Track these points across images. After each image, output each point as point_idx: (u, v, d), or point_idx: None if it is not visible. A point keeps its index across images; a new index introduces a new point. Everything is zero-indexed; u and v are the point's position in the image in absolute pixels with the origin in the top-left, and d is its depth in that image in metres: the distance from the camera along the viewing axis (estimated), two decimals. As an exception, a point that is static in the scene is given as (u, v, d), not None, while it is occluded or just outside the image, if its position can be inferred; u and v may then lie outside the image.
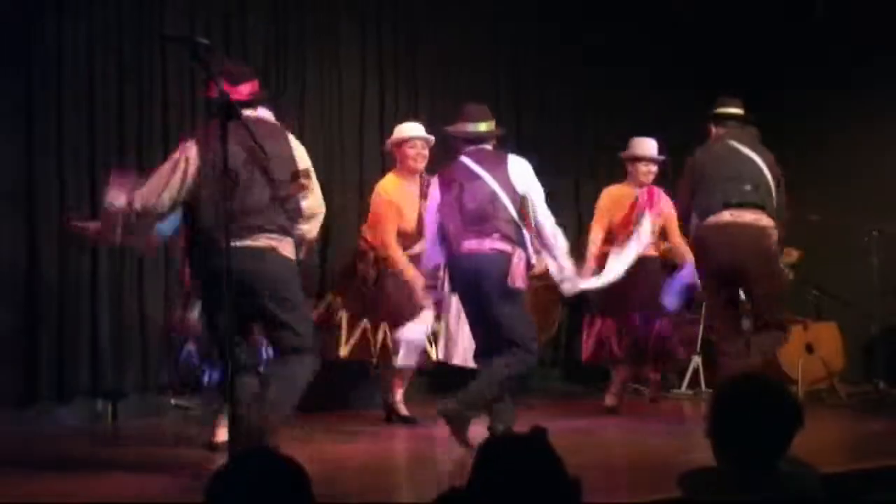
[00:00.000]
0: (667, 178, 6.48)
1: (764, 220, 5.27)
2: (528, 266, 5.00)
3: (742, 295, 5.47)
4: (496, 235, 4.92)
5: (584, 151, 7.82)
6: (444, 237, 5.08)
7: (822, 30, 7.64)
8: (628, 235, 6.27)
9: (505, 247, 4.92)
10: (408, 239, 5.79)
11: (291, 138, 4.37)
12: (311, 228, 4.39)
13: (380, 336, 5.82)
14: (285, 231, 4.23)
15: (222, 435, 4.91)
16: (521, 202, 5.00)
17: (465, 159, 5.10)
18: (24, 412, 5.84)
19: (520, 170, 5.06)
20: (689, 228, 5.63)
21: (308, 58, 6.85)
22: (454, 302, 6.93)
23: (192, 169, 4.09)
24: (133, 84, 6.20)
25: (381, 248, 5.77)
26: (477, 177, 5.00)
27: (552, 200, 5.14)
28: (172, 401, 6.09)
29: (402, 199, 5.81)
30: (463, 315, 6.86)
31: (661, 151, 6.44)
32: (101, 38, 6.10)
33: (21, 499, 4.02)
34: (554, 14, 7.71)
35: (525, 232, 5.01)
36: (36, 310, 5.89)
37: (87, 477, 4.44)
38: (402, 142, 5.85)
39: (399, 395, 6.01)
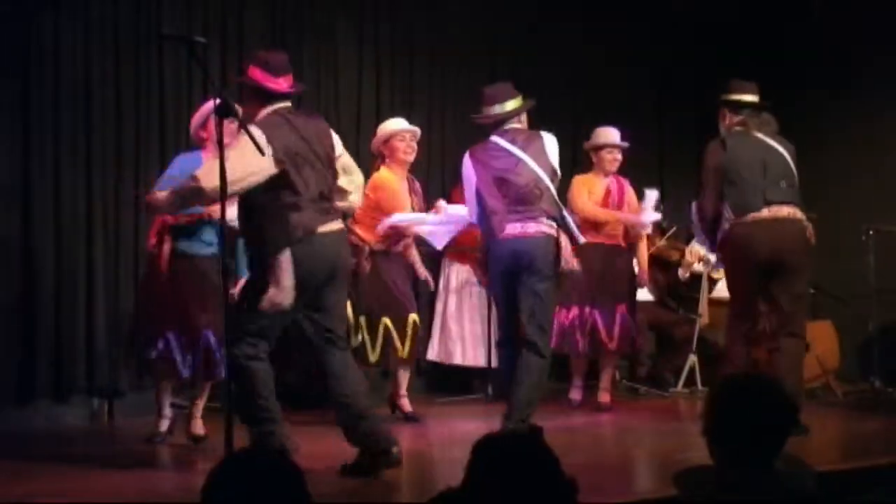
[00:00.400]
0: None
1: (799, 213, 5.28)
2: (574, 245, 4.96)
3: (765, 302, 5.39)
4: (542, 219, 4.89)
5: (582, 151, 7.81)
6: (481, 218, 5.03)
7: (821, 30, 7.64)
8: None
9: (550, 230, 4.89)
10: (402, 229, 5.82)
11: (335, 140, 4.37)
12: (358, 198, 4.54)
13: (380, 330, 5.80)
14: (343, 215, 4.33)
15: (200, 427, 5.00)
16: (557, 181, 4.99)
17: (498, 139, 5.02)
18: (21, 411, 5.83)
19: (554, 148, 5.02)
20: (700, 228, 5.54)
21: (305, 57, 6.84)
22: (452, 301, 6.97)
23: (268, 151, 3.94)
24: (130, 83, 6.19)
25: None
26: (516, 158, 4.93)
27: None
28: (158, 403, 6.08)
29: (400, 190, 5.83)
30: (463, 313, 6.92)
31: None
32: (99, 37, 6.09)
33: (19, 498, 4.02)
34: (552, 14, 7.71)
35: (566, 212, 4.97)
36: (32, 309, 5.88)
37: (85, 476, 4.43)
38: (391, 136, 5.84)
39: (403, 390, 6.01)
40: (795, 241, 5.23)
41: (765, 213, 5.21)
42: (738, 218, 5.22)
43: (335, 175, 4.30)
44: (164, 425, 5.16)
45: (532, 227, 4.88)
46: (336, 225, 4.22)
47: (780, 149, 5.33)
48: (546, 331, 4.93)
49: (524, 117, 5.18)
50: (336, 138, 4.38)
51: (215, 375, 4.95)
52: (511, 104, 5.06)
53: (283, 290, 4.03)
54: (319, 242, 4.10)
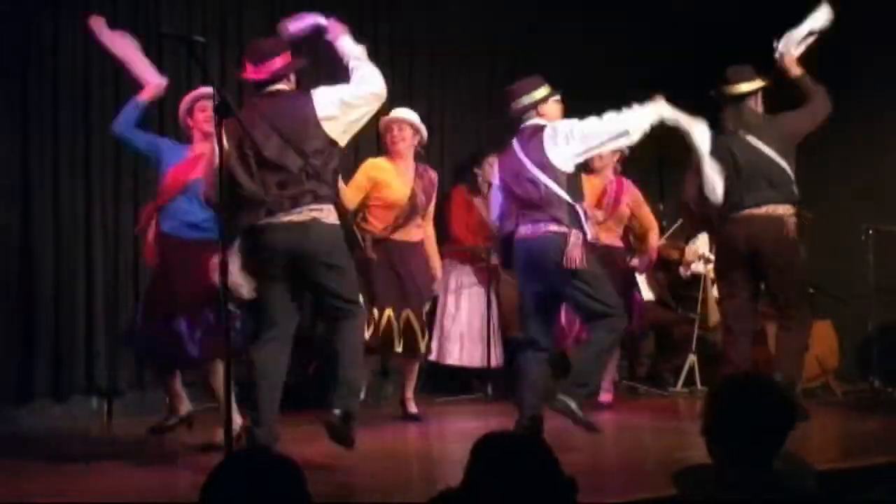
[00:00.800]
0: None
1: (780, 209, 5.36)
2: (586, 243, 4.89)
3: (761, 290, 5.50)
4: (549, 220, 4.86)
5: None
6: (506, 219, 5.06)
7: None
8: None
9: (560, 228, 4.85)
10: (397, 211, 5.82)
11: (319, 102, 4.34)
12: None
13: (383, 322, 5.77)
14: (326, 199, 4.30)
15: (220, 436, 4.90)
16: (567, 176, 4.92)
17: (514, 139, 5.03)
18: (21, 411, 5.83)
19: (555, 143, 4.87)
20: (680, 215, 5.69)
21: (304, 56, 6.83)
22: (450, 301, 6.97)
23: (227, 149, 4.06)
24: (130, 83, 6.16)
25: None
26: (519, 160, 4.92)
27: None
28: (168, 399, 6.08)
29: (388, 175, 5.84)
30: (457, 315, 6.91)
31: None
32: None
33: (18, 498, 4.02)
34: (552, 14, 7.70)
35: (578, 208, 4.92)
36: (32, 309, 5.88)
37: (85, 476, 4.43)
38: (383, 130, 5.90)
39: (410, 390, 6.00)
40: (770, 232, 5.33)
41: (744, 213, 5.36)
42: (721, 220, 5.43)
43: (319, 163, 4.26)
44: (184, 408, 4.94)
45: (542, 228, 4.87)
46: (299, 216, 4.22)
47: (761, 146, 5.37)
48: (609, 304, 4.86)
49: (547, 108, 5.02)
50: (328, 98, 4.35)
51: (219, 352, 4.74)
52: (533, 96, 4.98)
53: (233, 276, 4.10)
54: (270, 235, 4.21)
